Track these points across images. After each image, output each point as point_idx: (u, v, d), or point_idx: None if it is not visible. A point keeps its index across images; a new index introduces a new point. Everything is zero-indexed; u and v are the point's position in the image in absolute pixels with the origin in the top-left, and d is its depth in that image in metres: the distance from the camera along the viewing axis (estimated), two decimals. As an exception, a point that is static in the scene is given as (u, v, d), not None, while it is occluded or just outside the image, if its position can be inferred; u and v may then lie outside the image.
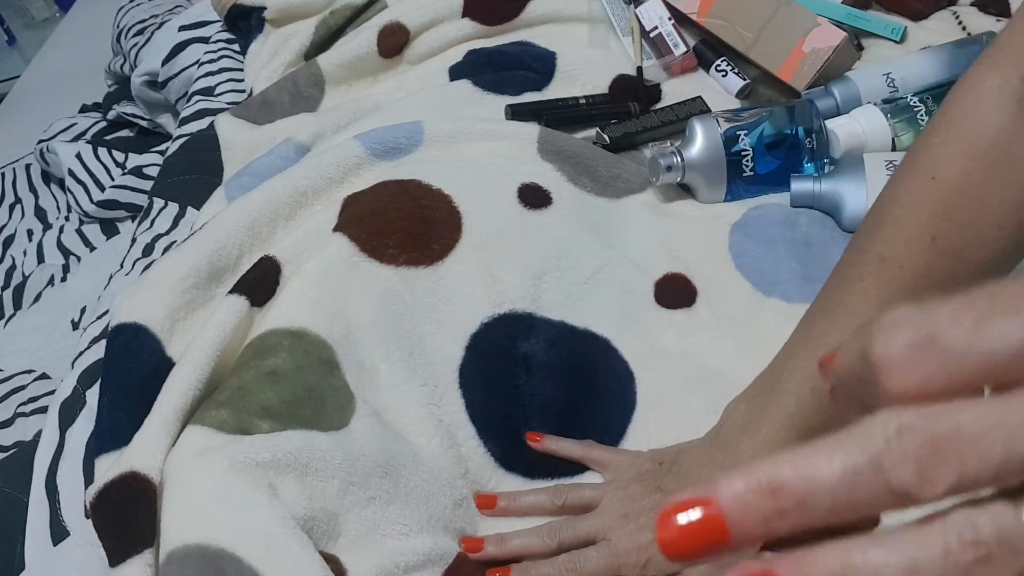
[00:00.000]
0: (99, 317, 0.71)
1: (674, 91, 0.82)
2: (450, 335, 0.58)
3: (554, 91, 0.83)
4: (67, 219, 1.13)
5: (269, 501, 0.44)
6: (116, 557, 0.45)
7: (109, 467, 0.48)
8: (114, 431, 0.52)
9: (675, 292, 0.63)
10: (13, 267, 1.09)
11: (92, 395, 0.60)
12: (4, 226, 1.18)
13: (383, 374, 0.55)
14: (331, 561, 0.45)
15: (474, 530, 0.53)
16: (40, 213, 1.18)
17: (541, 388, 0.58)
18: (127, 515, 0.45)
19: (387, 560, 0.46)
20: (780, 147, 0.69)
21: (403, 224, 0.60)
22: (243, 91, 0.99)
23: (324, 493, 0.47)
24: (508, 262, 0.61)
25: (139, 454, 0.47)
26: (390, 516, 0.48)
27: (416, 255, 0.59)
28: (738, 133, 0.69)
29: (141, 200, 1.06)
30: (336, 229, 0.60)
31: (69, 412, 0.60)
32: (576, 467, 0.56)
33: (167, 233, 0.83)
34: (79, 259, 1.06)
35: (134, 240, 0.84)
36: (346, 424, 0.51)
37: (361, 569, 0.46)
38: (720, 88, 0.82)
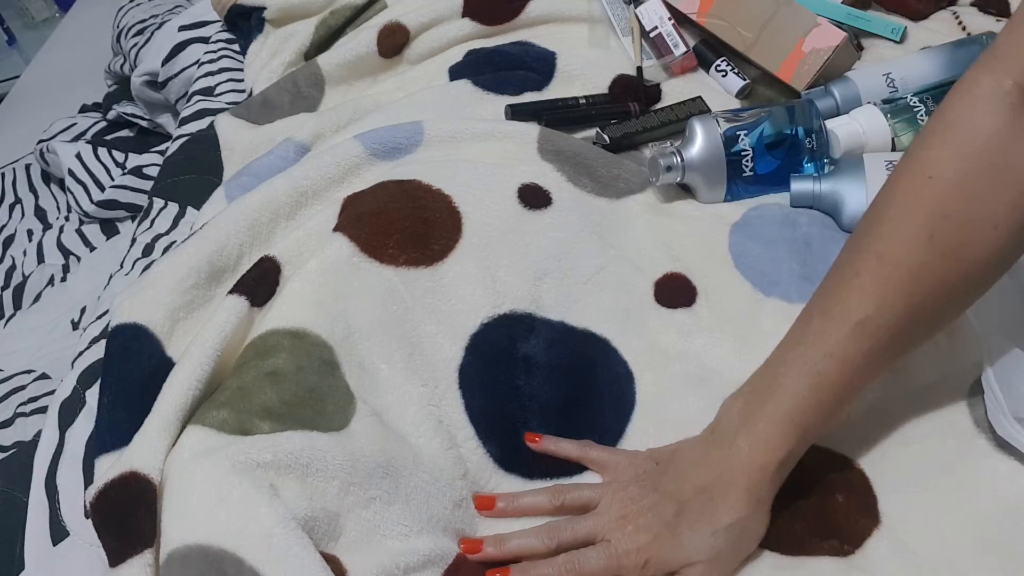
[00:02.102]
0: (99, 317, 0.71)
1: (674, 91, 0.82)
2: (450, 335, 0.58)
3: (554, 91, 0.83)
4: (67, 219, 1.13)
5: (270, 502, 0.44)
6: (116, 557, 0.45)
7: (109, 467, 0.48)
8: (114, 431, 0.52)
9: (675, 292, 0.63)
10: (13, 267, 1.09)
11: (92, 395, 0.60)
12: (4, 226, 1.18)
13: (383, 374, 0.55)
14: (332, 562, 0.45)
15: (473, 531, 0.53)
16: (40, 213, 1.18)
17: (541, 388, 0.58)
18: (127, 515, 0.45)
19: (387, 561, 0.46)
20: (780, 147, 0.69)
21: (403, 224, 0.60)
22: (243, 91, 0.99)
23: (325, 494, 0.47)
24: (508, 263, 0.61)
25: (139, 454, 0.47)
26: (391, 517, 0.48)
27: (416, 255, 0.59)
28: (738, 133, 0.69)
29: (141, 200, 1.06)
30: (336, 229, 0.60)
31: (69, 412, 0.60)
32: (575, 467, 0.56)
33: (167, 233, 0.83)
34: (79, 259, 1.06)
35: (134, 240, 0.84)
36: (347, 424, 0.51)
37: (361, 569, 0.46)
38: (720, 88, 0.82)
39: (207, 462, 0.46)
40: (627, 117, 0.78)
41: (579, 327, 0.60)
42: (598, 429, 0.57)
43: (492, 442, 0.56)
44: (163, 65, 1.08)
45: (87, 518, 0.47)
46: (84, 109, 1.34)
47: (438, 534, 0.50)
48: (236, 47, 1.06)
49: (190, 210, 0.84)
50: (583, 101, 0.81)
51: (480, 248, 0.61)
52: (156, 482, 0.46)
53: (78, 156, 1.11)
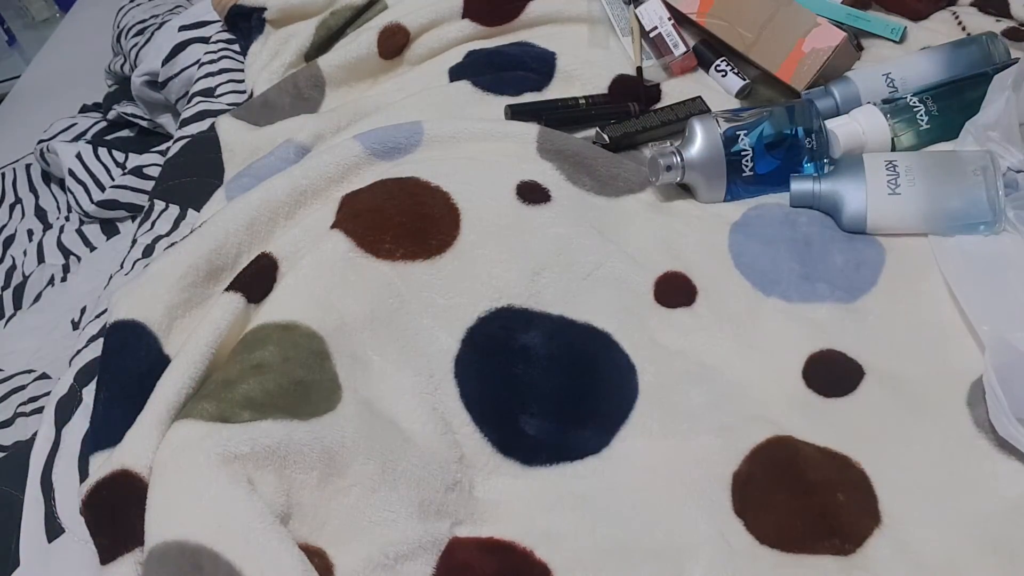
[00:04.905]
0: (98, 316, 0.71)
1: (674, 91, 0.82)
2: (446, 328, 0.58)
3: (554, 91, 0.83)
4: (67, 219, 1.13)
5: (248, 496, 0.44)
6: (107, 555, 0.45)
7: (101, 465, 0.48)
8: (109, 428, 0.52)
9: (675, 291, 0.63)
10: (13, 267, 1.09)
11: (88, 393, 0.60)
12: (4, 226, 1.18)
13: (376, 365, 0.55)
14: (318, 555, 0.45)
15: (468, 514, 0.52)
16: (40, 213, 1.18)
17: (540, 377, 0.58)
18: (118, 513, 0.46)
19: (376, 551, 0.46)
20: (780, 147, 0.69)
21: (401, 220, 0.61)
22: (243, 92, 0.99)
23: (303, 486, 0.47)
24: (506, 258, 0.61)
25: (131, 452, 0.47)
26: (375, 503, 0.48)
27: (414, 250, 0.60)
28: (738, 133, 0.69)
29: (141, 200, 1.06)
30: (334, 226, 0.60)
31: (65, 410, 0.60)
32: (575, 454, 0.56)
33: (167, 235, 0.83)
34: (79, 259, 1.06)
35: (135, 241, 0.84)
36: (330, 412, 0.51)
37: (349, 562, 0.46)
38: (720, 88, 0.82)
39: (185, 457, 0.46)
40: (627, 117, 0.78)
41: (579, 320, 0.60)
42: (600, 417, 0.57)
43: (489, 427, 0.56)
44: (163, 65, 1.08)
45: (82, 515, 0.47)
46: (84, 109, 1.34)
47: (431, 518, 0.50)
48: (236, 47, 1.06)
49: (191, 212, 0.84)
50: (583, 101, 0.81)
51: (478, 243, 0.61)
52: (147, 479, 0.46)
53: (78, 156, 1.11)
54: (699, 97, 0.79)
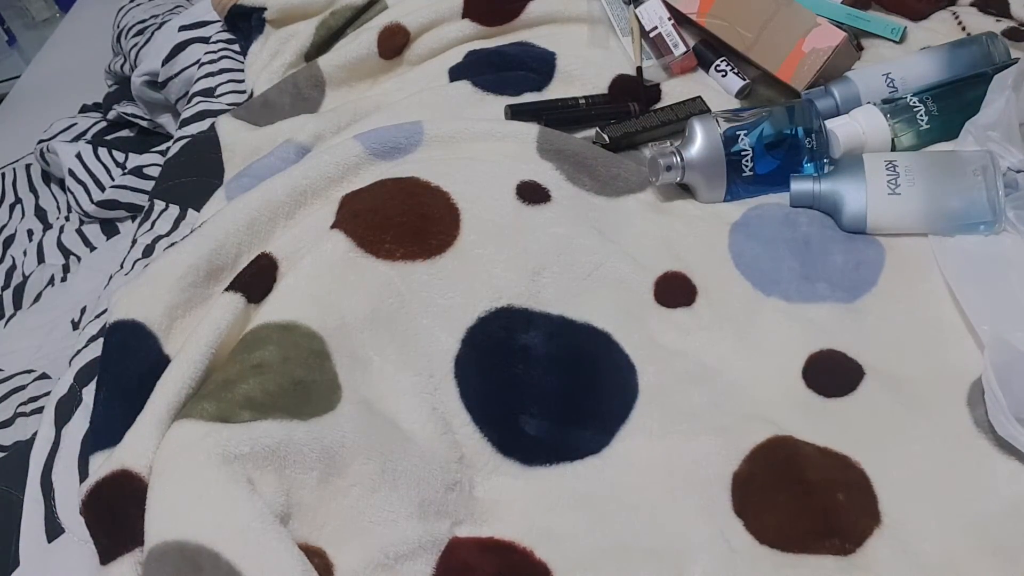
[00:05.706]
0: (98, 316, 0.71)
1: (674, 91, 0.82)
2: (446, 328, 0.58)
3: (554, 91, 0.83)
4: (67, 219, 1.13)
5: (248, 496, 0.44)
6: (107, 555, 0.45)
7: (101, 465, 0.48)
8: (109, 428, 0.52)
9: (675, 291, 0.63)
10: (13, 267, 1.09)
11: (88, 393, 0.60)
12: (4, 226, 1.18)
13: (376, 365, 0.55)
14: (317, 555, 0.45)
15: (468, 514, 0.53)
16: (40, 213, 1.18)
17: (540, 377, 0.58)
18: (118, 513, 0.46)
19: (376, 552, 0.46)
20: (780, 147, 0.69)
21: (401, 220, 0.61)
22: (243, 92, 0.99)
23: (303, 486, 0.47)
24: (506, 258, 0.61)
25: (131, 452, 0.47)
26: (375, 503, 0.48)
27: (414, 250, 0.60)
28: (738, 133, 0.69)
29: (141, 200, 1.06)
30: (334, 226, 0.60)
31: (65, 410, 0.60)
32: (574, 453, 0.56)
33: (167, 235, 0.83)
34: (79, 259, 1.06)
35: (134, 241, 0.84)
36: (330, 412, 0.51)
37: (348, 561, 0.46)
38: (720, 88, 0.82)
39: (185, 457, 0.46)
40: (627, 117, 0.78)
41: (579, 320, 0.60)
42: (600, 417, 0.57)
43: (489, 427, 0.56)
44: (163, 65, 1.08)
45: (82, 515, 0.47)
46: (84, 109, 1.34)
47: (431, 518, 0.50)
48: (236, 47, 1.06)
49: (191, 212, 0.84)
50: (583, 101, 0.81)
51: (478, 243, 0.61)
52: (147, 479, 0.46)
53: (78, 156, 1.11)
54: (699, 97, 0.79)
